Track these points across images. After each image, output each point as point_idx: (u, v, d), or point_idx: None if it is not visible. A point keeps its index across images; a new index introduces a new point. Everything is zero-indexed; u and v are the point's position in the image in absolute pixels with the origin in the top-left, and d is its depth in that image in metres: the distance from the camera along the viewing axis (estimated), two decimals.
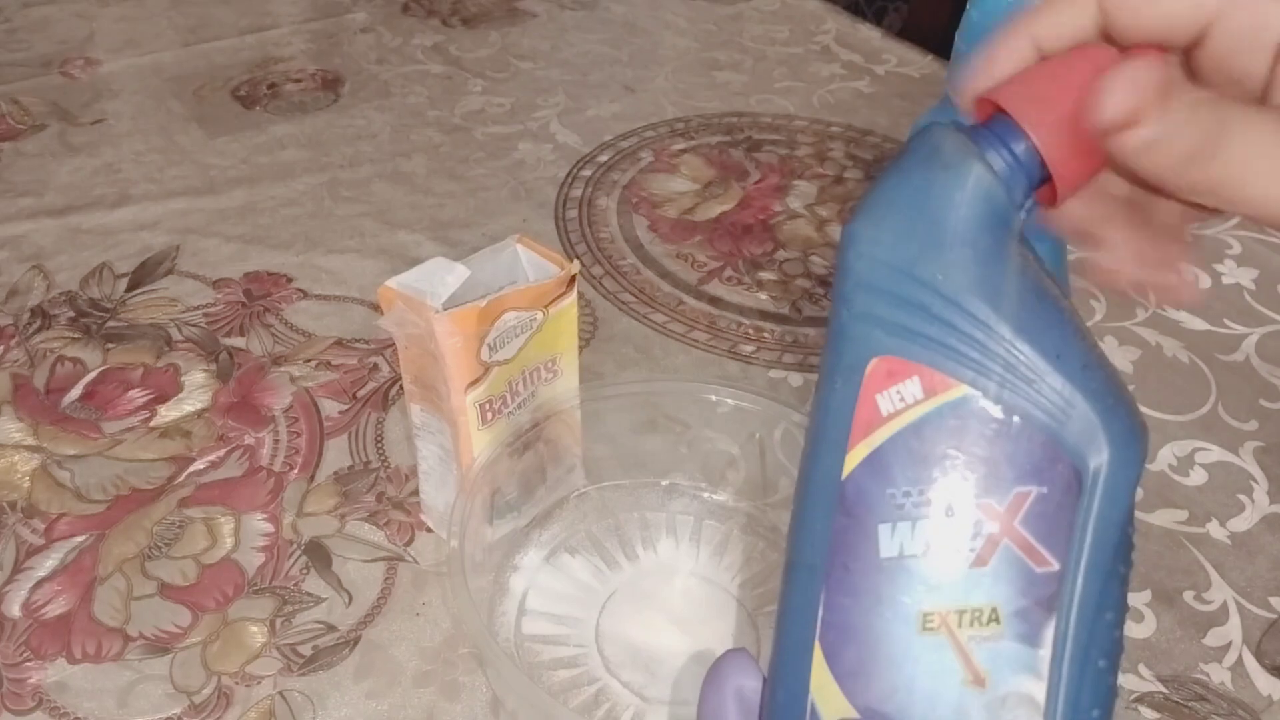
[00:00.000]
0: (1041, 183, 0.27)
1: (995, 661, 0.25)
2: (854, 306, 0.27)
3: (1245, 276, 0.72)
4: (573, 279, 0.48)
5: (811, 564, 0.27)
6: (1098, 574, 0.25)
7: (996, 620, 0.25)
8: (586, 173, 0.82)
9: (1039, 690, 0.25)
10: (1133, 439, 0.26)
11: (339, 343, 0.64)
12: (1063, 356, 0.25)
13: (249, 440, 0.57)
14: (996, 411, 0.25)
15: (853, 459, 0.26)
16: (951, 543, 0.25)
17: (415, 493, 0.54)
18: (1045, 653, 0.25)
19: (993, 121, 0.27)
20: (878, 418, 0.26)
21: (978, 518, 0.25)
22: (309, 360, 0.62)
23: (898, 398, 0.26)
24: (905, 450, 0.26)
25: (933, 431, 0.25)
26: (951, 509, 0.25)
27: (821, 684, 0.26)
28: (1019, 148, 0.26)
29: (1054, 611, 0.25)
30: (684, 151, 0.85)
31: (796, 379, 0.63)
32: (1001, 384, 0.25)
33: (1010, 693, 0.25)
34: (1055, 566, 0.25)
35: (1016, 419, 0.25)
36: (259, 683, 0.46)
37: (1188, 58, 0.27)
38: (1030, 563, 0.25)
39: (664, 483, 0.54)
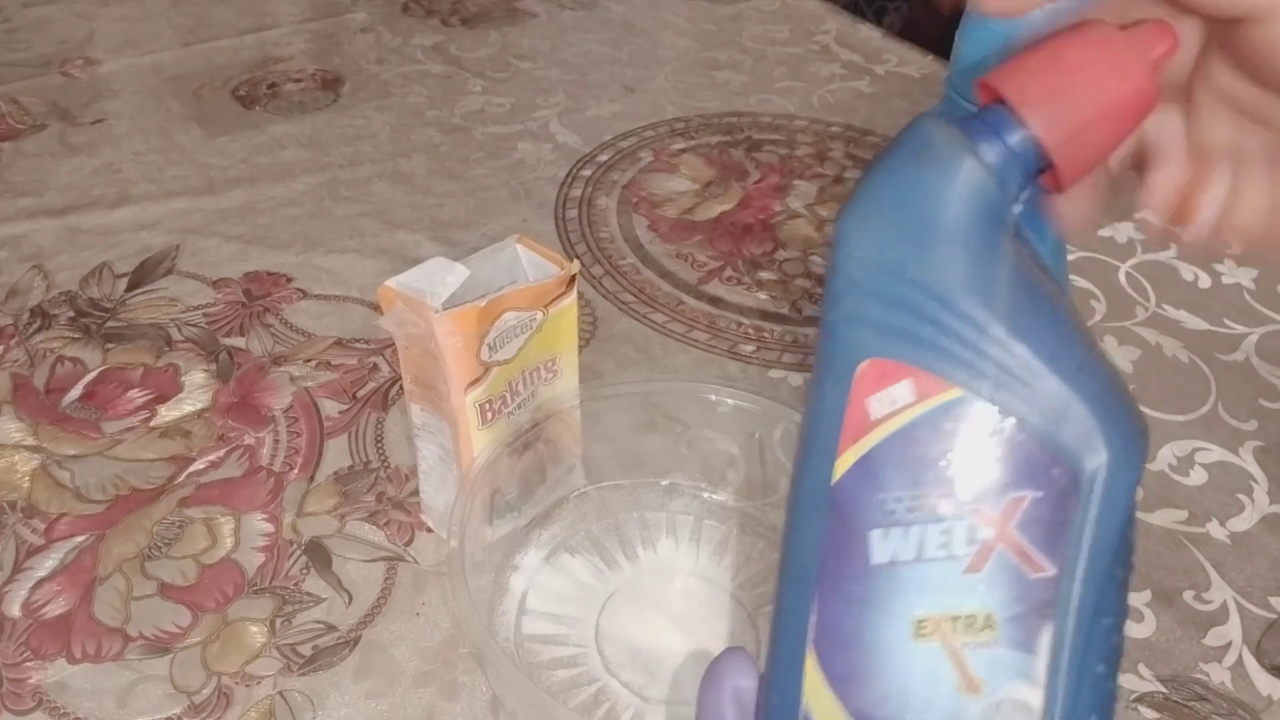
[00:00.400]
0: (1041, 171, 0.26)
1: (990, 668, 0.25)
2: (844, 307, 0.26)
3: (1245, 276, 0.72)
4: (572, 279, 0.48)
5: (803, 570, 0.26)
6: (1095, 579, 0.25)
7: (991, 626, 0.25)
8: (586, 173, 0.82)
9: (1035, 697, 0.24)
10: (1132, 441, 0.25)
11: (339, 343, 0.64)
12: (1058, 357, 0.25)
13: (249, 440, 0.57)
14: (990, 414, 0.25)
15: (843, 464, 0.26)
16: (944, 549, 0.25)
17: (415, 493, 0.54)
18: (1041, 659, 0.24)
19: (986, 111, 0.26)
20: (868, 422, 0.25)
21: (971, 523, 0.25)
22: (309, 360, 0.63)
23: (889, 401, 0.25)
24: (897, 455, 0.25)
25: (925, 435, 0.25)
26: (944, 515, 0.25)
27: (815, 690, 0.26)
28: (1014, 138, 0.25)
29: (1050, 617, 0.24)
30: (684, 151, 0.85)
31: (796, 379, 0.63)
32: (995, 386, 0.24)
33: (1005, 699, 0.24)
34: (1052, 572, 0.24)
35: (1011, 422, 0.24)
36: (259, 683, 0.46)
37: (1223, 33, 0.26)
38: (1026, 568, 0.24)
39: (664, 483, 0.54)
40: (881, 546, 0.25)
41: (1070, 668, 0.24)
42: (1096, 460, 0.24)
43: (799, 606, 0.26)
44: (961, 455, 0.25)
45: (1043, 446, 0.24)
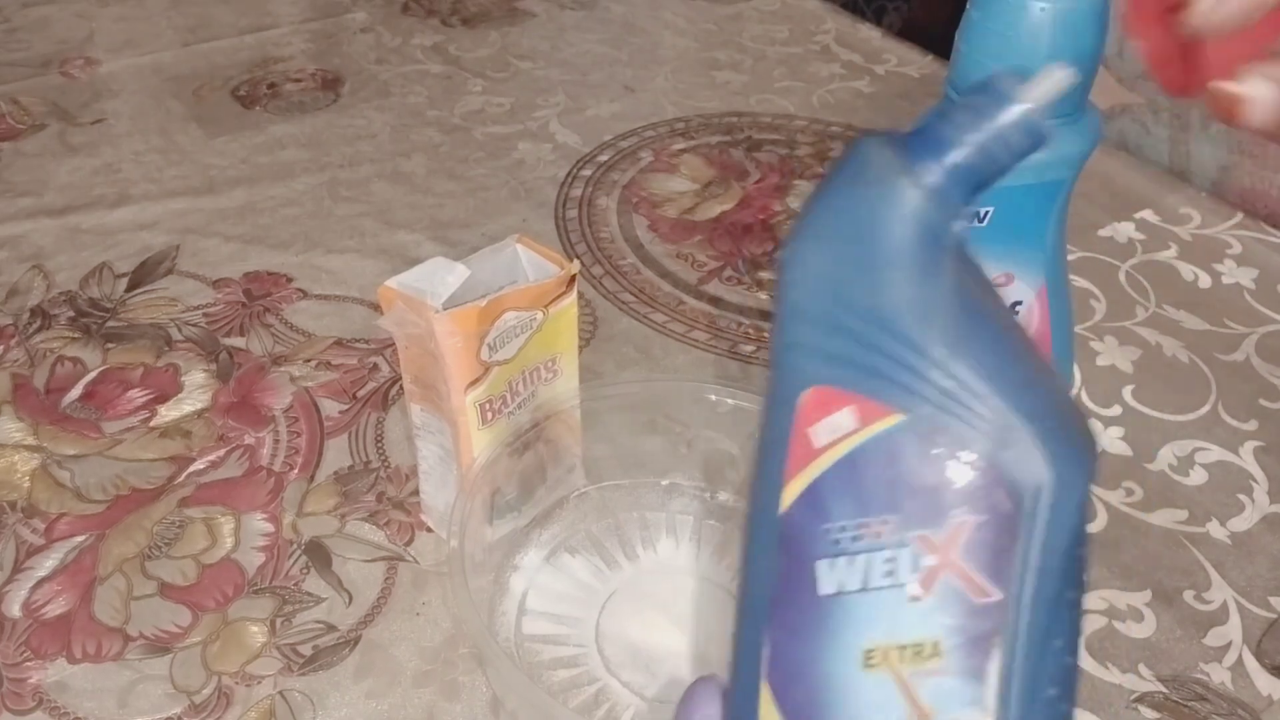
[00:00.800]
0: (981, 186, 0.25)
1: (939, 697, 0.24)
2: (787, 334, 0.26)
3: (1245, 276, 0.72)
4: (573, 279, 0.48)
5: (756, 602, 0.26)
6: (1044, 602, 0.24)
7: (938, 654, 0.24)
8: (586, 172, 0.82)
9: None
10: (1078, 459, 0.24)
11: (339, 343, 0.64)
12: (1000, 377, 0.24)
13: (249, 440, 0.57)
14: (931, 439, 0.24)
15: (789, 494, 0.25)
16: (890, 578, 0.24)
17: (415, 492, 0.54)
18: (991, 686, 0.24)
19: (923, 129, 0.25)
20: (812, 450, 0.25)
21: (915, 550, 0.24)
22: (309, 360, 0.63)
23: (831, 429, 0.25)
24: (840, 483, 0.25)
25: (867, 462, 0.24)
26: (888, 543, 0.24)
27: None
28: (951, 157, 0.24)
29: (999, 644, 0.24)
30: (684, 151, 0.85)
31: None
32: (936, 410, 0.24)
33: None
34: (998, 597, 0.24)
35: (952, 445, 0.24)
36: (259, 682, 0.46)
37: None
38: (971, 594, 0.24)
39: (664, 483, 0.54)
40: (828, 577, 0.25)
41: (1022, 693, 0.24)
42: (1040, 481, 0.24)
43: (752, 639, 0.26)
44: (904, 482, 0.24)
45: (985, 470, 0.24)
